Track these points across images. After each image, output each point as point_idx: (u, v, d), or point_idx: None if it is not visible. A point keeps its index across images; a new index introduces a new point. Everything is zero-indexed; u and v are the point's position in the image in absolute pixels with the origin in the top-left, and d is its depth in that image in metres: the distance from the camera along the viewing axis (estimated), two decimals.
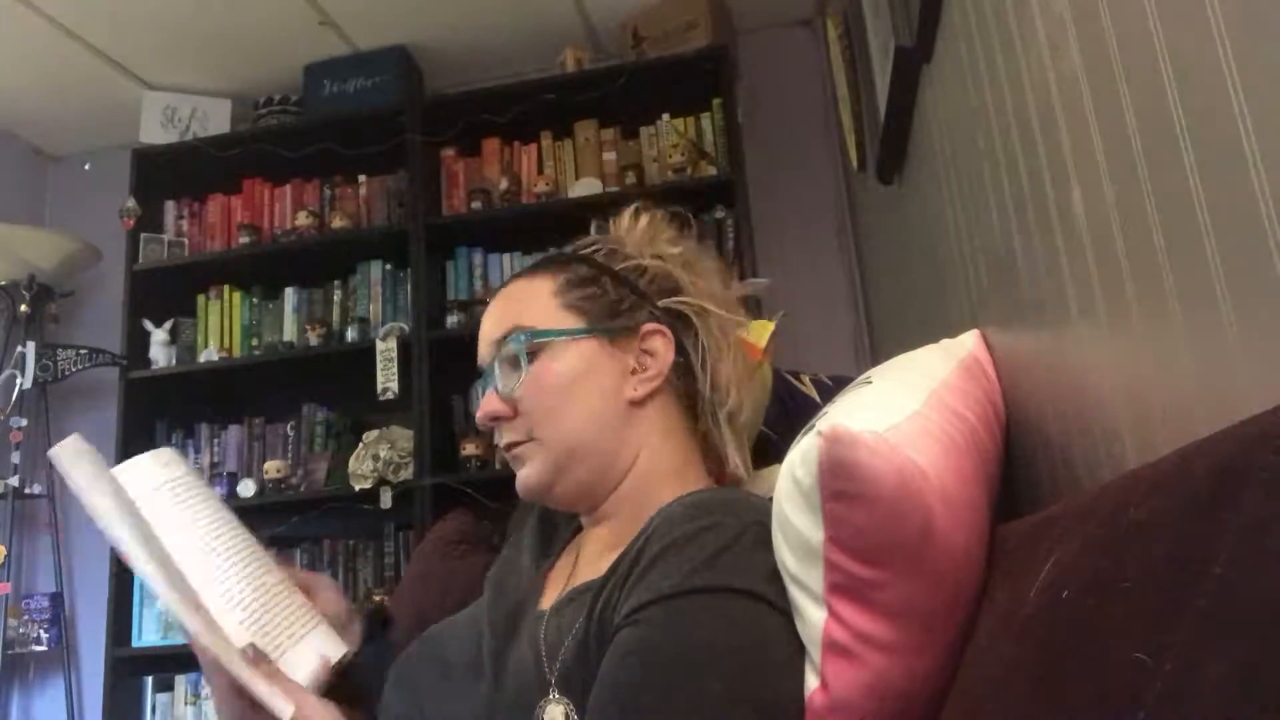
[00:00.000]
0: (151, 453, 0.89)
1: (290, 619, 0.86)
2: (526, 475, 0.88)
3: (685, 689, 0.67)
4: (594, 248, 0.93)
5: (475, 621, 0.88)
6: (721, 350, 0.90)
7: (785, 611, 0.71)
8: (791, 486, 0.68)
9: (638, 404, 0.88)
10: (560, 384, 0.86)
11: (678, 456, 0.89)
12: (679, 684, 0.67)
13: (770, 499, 0.75)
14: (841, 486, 0.64)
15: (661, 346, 0.88)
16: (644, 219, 0.95)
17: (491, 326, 0.90)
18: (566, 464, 0.86)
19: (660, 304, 0.90)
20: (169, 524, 0.83)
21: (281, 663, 0.82)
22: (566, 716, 0.74)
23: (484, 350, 0.90)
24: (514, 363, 0.87)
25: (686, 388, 0.90)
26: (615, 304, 0.89)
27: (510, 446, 0.89)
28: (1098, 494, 0.54)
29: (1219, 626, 0.35)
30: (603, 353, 0.88)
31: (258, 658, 0.80)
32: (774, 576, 0.71)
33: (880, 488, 0.63)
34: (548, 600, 0.85)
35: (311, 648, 0.85)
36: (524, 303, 0.90)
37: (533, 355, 0.87)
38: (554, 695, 0.75)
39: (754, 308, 2.56)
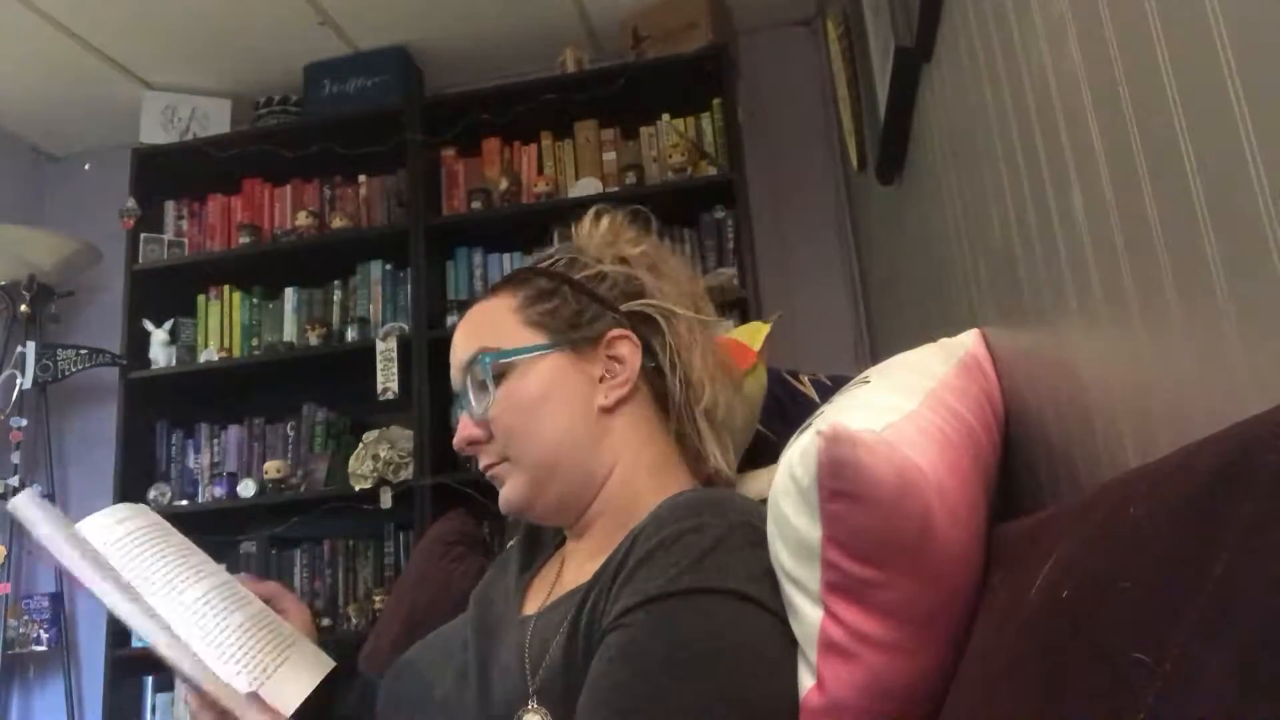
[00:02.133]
0: (107, 510, 0.90)
1: (268, 645, 0.86)
2: (506, 494, 0.88)
3: (674, 691, 0.67)
4: (553, 259, 0.93)
5: (460, 634, 0.88)
6: (691, 348, 0.89)
7: (775, 611, 0.70)
8: (789, 485, 0.68)
9: (609, 411, 0.87)
10: (529, 402, 0.86)
11: (657, 459, 0.88)
12: (667, 687, 0.67)
13: (760, 499, 0.75)
14: (840, 486, 0.64)
15: (628, 351, 0.87)
16: (604, 221, 0.94)
17: (458, 351, 0.90)
18: (544, 480, 0.87)
19: (623, 308, 0.89)
20: (131, 574, 0.84)
21: (266, 690, 0.82)
22: None
23: (455, 375, 0.90)
24: (483, 386, 0.87)
25: (660, 389, 0.90)
26: (577, 314, 0.88)
27: (489, 468, 0.89)
28: (1098, 494, 0.54)
29: (1219, 626, 0.35)
30: (569, 365, 0.87)
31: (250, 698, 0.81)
32: (763, 576, 0.71)
33: (879, 488, 0.63)
34: (532, 607, 0.85)
35: (294, 671, 0.85)
36: (487, 324, 0.90)
37: (500, 376, 0.87)
38: (532, 705, 0.75)
39: (753, 309, 2.57)
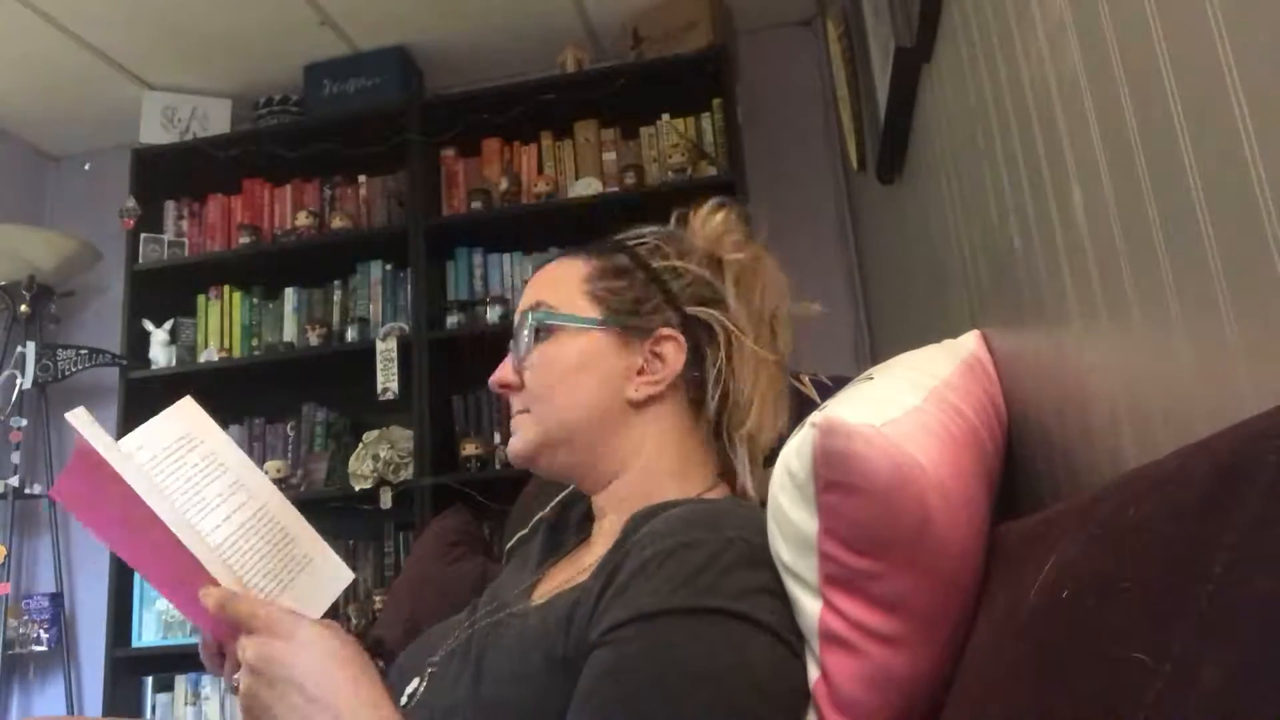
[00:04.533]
0: (166, 414, 0.88)
1: (290, 551, 0.87)
2: (515, 443, 0.91)
3: (661, 712, 0.66)
4: (643, 239, 0.94)
5: (464, 622, 0.88)
6: (744, 368, 0.88)
7: (769, 627, 0.69)
8: (786, 479, 0.68)
9: (637, 405, 0.88)
10: (561, 368, 0.88)
11: (679, 463, 0.88)
12: (656, 707, 0.66)
13: (760, 502, 0.75)
14: (835, 478, 0.64)
15: (672, 353, 0.88)
16: (720, 215, 0.95)
17: (526, 296, 0.93)
18: (553, 444, 0.88)
19: (688, 309, 0.89)
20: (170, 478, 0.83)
21: (292, 588, 0.84)
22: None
23: (517, 317, 0.93)
24: (529, 337, 0.89)
25: (700, 396, 0.90)
26: (638, 301, 0.89)
27: (515, 412, 0.92)
28: (1098, 494, 0.54)
29: (1219, 626, 0.35)
30: (611, 347, 0.88)
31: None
32: (757, 593, 0.70)
33: (874, 479, 0.63)
34: (541, 594, 0.85)
35: (315, 576, 0.87)
36: (554, 281, 0.92)
37: (545, 335, 0.89)
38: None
39: None
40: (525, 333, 0.89)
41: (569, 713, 0.70)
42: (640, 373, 0.88)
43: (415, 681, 0.84)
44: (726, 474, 0.90)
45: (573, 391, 0.87)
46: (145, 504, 0.78)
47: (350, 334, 2.85)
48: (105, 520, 0.87)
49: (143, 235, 2.96)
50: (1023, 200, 0.87)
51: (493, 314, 2.75)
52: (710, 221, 0.95)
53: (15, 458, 2.94)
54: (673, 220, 0.98)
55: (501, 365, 0.91)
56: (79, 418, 0.79)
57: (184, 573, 0.80)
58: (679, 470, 0.88)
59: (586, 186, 2.80)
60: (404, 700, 0.83)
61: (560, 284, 0.91)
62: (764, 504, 0.76)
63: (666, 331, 0.88)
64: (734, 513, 0.77)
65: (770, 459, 0.92)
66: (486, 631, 0.83)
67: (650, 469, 0.87)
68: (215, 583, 0.78)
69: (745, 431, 0.88)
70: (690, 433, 0.90)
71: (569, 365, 0.88)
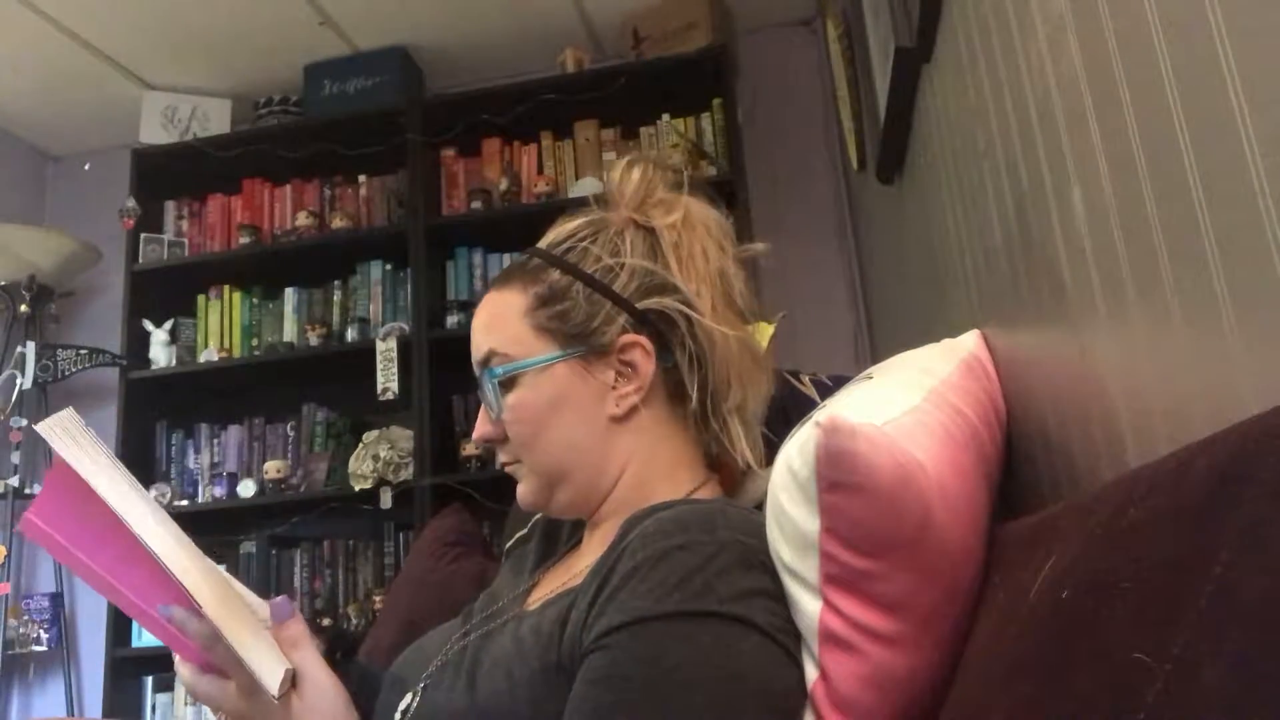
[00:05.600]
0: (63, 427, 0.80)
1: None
2: (522, 492, 0.89)
3: (656, 718, 0.66)
4: (571, 242, 0.90)
5: (460, 628, 0.88)
6: (712, 345, 0.86)
7: (764, 629, 0.69)
8: (788, 478, 0.68)
9: (622, 418, 0.85)
10: (536, 414, 0.85)
11: (672, 458, 0.87)
12: (650, 713, 0.66)
13: (758, 503, 0.75)
14: (839, 477, 0.64)
15: (641, 358, 0.85)
16: (636, 172, 0.91)
17: (475, 343, 0.89)
18: (554, 484, 0.87)
19: (640, 306, 0.86)
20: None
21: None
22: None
23: (477, 369, 0.90)
24: (494, 392, 0.87)
25: (679, 381, 0.87)
26: (587, 319, 0.85)
27: (505, 464, 0.90)
28: (1098, 494, 0.54)
29: (1219, 626, 0.35)
30: (578, 373, 0.85)
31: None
32: (753, 595, 0.70)
33: (878, 479, 0.63)
34: (535, 601, 0.85)
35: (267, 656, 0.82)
36: (498, 323, 0.88)
37: (509, 384, 0.86)
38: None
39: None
40: (488, 389, 0.86)
41: (564, 718, 0.70)
42: (615, 387, 0.85)
43: (409, 698, 0.83)
44: (716, 466, 0.89)
45: (554, 430, 0.85)
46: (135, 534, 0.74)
47: (350, 334, 2.86)
48: (91, 544, 0.81)
49: (143, 235, 2.96)
50: (1022, 200, 0.87)
51: None
52: (628, 185, 0.90)
53: (15, 458, 2.95)
54: (591, 199, 0.94)
55: (480, 420, 0.89)
56: (54, 430, 0.74)
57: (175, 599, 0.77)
58: (669, 471, 0.86)
59: (586, 187, 2.80)
60: (397, 717, 0.82)
61: (504, 325, 0.87)
62: (760, 505, 0.76)
63: (628, 338, 0.85)
64: (728, 514, 0.76)
65: (769, 457, 0.93)
66: (481, 642, 0.82)
67: (641, 474, 0.86)
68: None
69: (731, 406, 0.86)
70: (677, 430, 0.88)
71: (543, 407, 0.85)
